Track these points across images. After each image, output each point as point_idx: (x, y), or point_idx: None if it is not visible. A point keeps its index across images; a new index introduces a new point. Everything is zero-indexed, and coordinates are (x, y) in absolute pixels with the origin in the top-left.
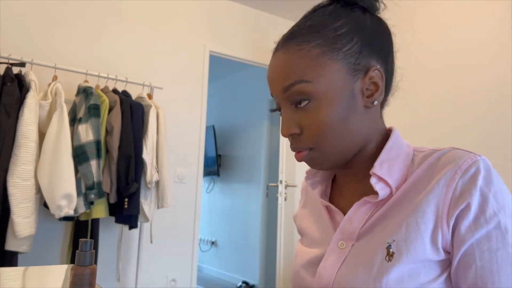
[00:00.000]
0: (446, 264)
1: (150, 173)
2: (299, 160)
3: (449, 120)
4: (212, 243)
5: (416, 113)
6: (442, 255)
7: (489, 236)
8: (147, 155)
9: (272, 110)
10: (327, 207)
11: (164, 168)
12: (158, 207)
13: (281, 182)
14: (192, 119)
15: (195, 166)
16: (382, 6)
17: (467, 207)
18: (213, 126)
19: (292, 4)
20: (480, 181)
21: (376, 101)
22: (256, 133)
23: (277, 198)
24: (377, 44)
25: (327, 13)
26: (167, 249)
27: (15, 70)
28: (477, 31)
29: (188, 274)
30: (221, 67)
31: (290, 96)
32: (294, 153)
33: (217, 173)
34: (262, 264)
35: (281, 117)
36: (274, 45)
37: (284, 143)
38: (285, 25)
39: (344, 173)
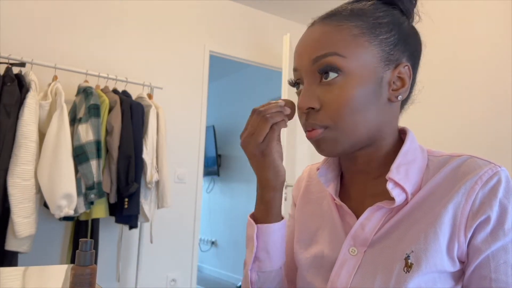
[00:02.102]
0: (459, 275)
1: (150, 173)
2: (312, 138)
3: (449, 120)
4: (212, 243)
5: (415, 113)
6: (458, 266)
7: (506, 248)
8: (147, 155)
9: (290, 83)
10: (338, 208)
11: (164, 168)
12: (158, 207)
13: None
14: (192, 119)
15: (195, 166)
16: (416, 17)
17: (487, 219)
18: (213, 126)
19: (292, 4)
20: (500, 193)
21: (400, 96)
22: None
23: None
24: (411, 45)
25: (368, 4)
26: (167, 249)
27: (15, 70)
28: (477, 31)
29: (188, 274)
30: (221, 67)
31: (320, 67)
32: (306, 131)
33: (217, 173)
34: None
35: (301, 91)
36: (311, 21)
37: (284, 143)
38: (285, 25)
39: (354, 172)
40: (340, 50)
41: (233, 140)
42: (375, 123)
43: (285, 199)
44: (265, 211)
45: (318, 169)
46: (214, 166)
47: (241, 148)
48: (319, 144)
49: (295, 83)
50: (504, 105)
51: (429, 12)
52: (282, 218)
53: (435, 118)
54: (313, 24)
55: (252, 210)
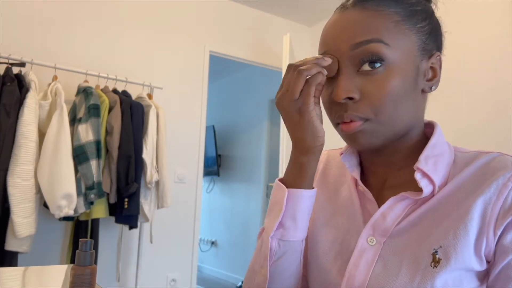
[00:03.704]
0: (484, 275)
1: (150, 173)
2: (349, 131)
3: (449, 119)
4: (212, 243)
5: None
6: (484, 265)
7: None
8: (147, 155)
9: None
10: (359, 194)
11: (164, 168)
12: (158, 207)
13: None
14: (192, 119)
15: (195, 166)
16: (433, 6)
17: None
18: (213, 126)
19: (292, 4)
20: None
21: (434, 87)
22: (256, 133)
23: None
24: (439, 35)
25: None
26: (167, 249)
27: (15, 70)
28: (477, 31)
29: (188, 274)
30: (221, 67)
31: (361, 54)
32: (340, 123)
33: (217, 173)
34: None
35: (338, 79)
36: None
37: (284, 143)
38: (285, 25)
39: (376, 162)
40: (384, 37)
41: (233, 140)
42: (412, 114)
43: None
44: (298, 174)
45: (341, 154)
46: (214, 166)
47: (241, 148)
48: (356, 137)
49: None
50: (504, 105)
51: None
52: (313, 187)
53: (435, 118)
54: (344, 7)
55: (252, 210)
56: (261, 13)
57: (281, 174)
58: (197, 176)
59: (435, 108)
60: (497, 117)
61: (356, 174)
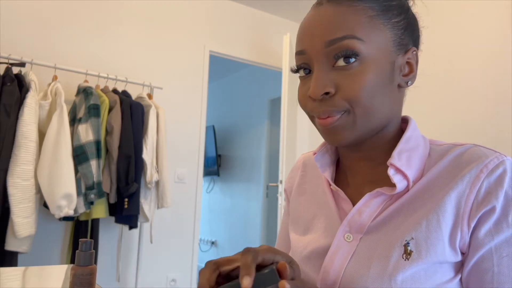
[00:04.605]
0: (460, 266)
1: (150, 173)
2: (328, 125)
3: (448, 120)
4: (212, 243)
5: (415, 112)
6: (459, 257)
7: (509, 241)
8: (147, 155)
9: (293, 70)
10: (333, 194)
11: (164, 168)
12: (158, 207)
13: (281, 182)
14: (192, 119)
15: (195, 166)
16: (411, 2)
17: (492, 210)
18: (213, 126)
19: (292, 4)
20: (506, 183)
21: (410, 82)
22: (256, 133)
23: (277, 198)
24: (415, 31)
25: None
26: (167, 249)
27: (15, 70)
28: (477, 31)
29: (188, 274)
30: (221, 67)
31: (335, 50)
32: (318, 119)
33: (217, 173)
34: None
35: (313, 76)
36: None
37: (284, 143)
38: (285, 25)
39: (354, 159)
40: (358, 33)
41: (233, 140)
42: (388, 109)
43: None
44: None
45: (315, 153)
46: (214, 166)
47: (241, 148)
48: (334, 132)
49: (299, 68)
50: (504, 104)
51: (429, 12)
52: None
53: (434, 116)
54: (320, 3)
55: (252, 210)
56: (261, 13)
57: (281, 174)
58: (197, 176)
59: (434, 106)
60: (497, 116)
61: (328, 174)
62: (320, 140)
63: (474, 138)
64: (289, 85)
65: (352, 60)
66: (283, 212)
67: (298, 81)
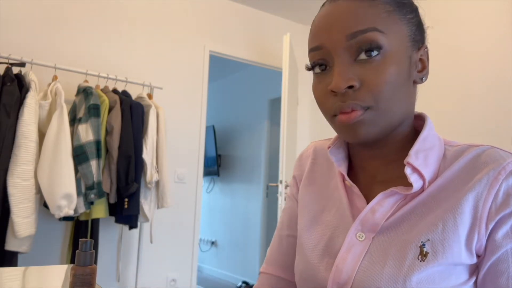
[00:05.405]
0: (475, 269)
1: (150, 173)
2: (349, 121)
3: (449, 120)
4: (212, 243)
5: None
6: (474, 259)
7: None
8: (147, 155)
9: (308, 68)
10: (347, 190)
11: (164, 168)
12: (158, 207)
13: (281, 182)
14: (192, 119)
15: (195, 166)
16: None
17: (510, 213)
18: (213, 126)
19: (292, 4)
20: None
21: (424, 78)
22: (256, 133)
23: (277, 198)
24: (424, 31)
25: None
26: (167, 249)
27: (15, 70)
28: (477, 31)
29: (188, 274)
30: (221, 67)
31: (358, 43)
32: (340, 114)
33: (217, 173)
34: (262, 264)
35: (335, 70)
36: None
37: (284, 143)
38: (285, 25)
39: (366, 156)
40: (379, 26)
41: (233, 140)
42: (405, 105)
43: (285, 199)
44: None
45: (329, 147)
46: (214, 166)
47: (241, 148)
48: (356, 127)
49: (314, 65)
50: (504, 104)
51: (429, 12)
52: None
53: (434, 117)
54: None
55: (252, 210)
56: (261, 13)
57: (281, 174)
58: (197, 176)
59: (434, 105)
60: (498, 115)
61: (343, 169)
62: (320, 139)
63: (474, 138)
64: (289, 85)
65: (375, 53)
66: (286, 200)
67: (298, 81)
